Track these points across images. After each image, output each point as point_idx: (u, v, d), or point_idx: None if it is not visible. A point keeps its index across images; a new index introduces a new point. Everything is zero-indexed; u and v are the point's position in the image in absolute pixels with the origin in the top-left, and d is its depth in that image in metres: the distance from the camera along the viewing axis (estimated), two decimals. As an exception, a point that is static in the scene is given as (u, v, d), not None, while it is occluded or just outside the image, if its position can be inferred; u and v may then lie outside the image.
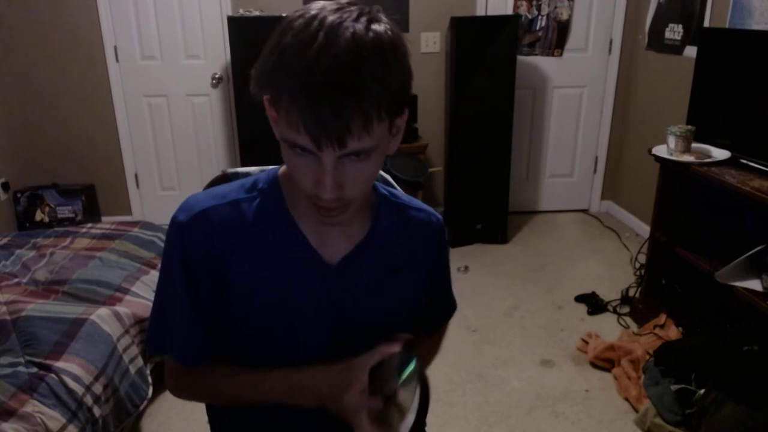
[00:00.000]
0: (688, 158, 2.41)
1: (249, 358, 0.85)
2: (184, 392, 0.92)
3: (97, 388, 1.82)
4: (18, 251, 2.62)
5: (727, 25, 2.86)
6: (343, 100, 0.65)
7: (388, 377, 0.77)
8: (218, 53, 3.80)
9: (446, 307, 1.11)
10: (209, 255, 0.82)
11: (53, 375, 1.75)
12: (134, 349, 2.10)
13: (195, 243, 0.82)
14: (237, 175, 0.99)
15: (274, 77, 0.68)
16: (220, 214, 0.83)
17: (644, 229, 3.52)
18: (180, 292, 0.84)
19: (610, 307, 2.94)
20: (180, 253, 0.82)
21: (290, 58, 0.66)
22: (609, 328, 2.77)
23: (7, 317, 1.98)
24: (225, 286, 0.84)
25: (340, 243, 0.86)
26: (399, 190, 1.00)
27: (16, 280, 2.34)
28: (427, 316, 1.04)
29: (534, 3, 3.82)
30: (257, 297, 0.84)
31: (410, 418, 0.75)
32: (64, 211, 3.83)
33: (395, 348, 0.77)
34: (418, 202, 0.99)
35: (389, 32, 0.69)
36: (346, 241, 0.87)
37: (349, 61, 0.64)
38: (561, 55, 3.93)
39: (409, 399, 0.75)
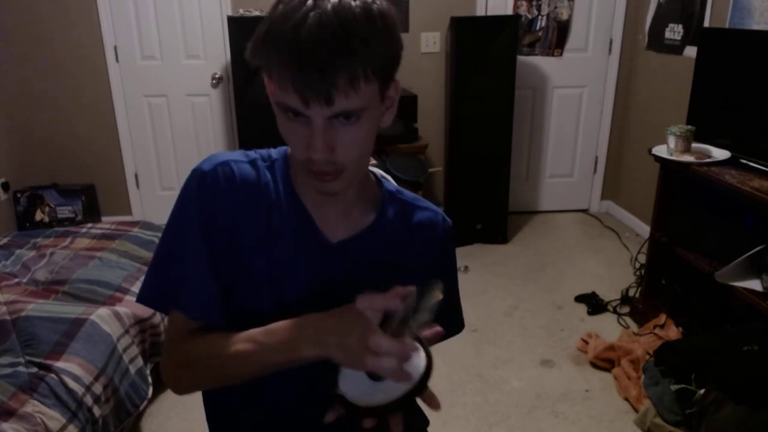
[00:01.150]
0: (688, 158, 2.41)
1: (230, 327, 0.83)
2: (181, 369, 0.85)
3: (97, 388, 1.82)
4: (18, 251, 2.62)
5: (727, 25, 2.86)
6: (329, 59, 0.67)
7: (405, 319, 0.72)
8: (218, 53, 3.80)
9: (450, 322, 1.00)
10: (227, 206, 0.83)
11: (53, 375, 1.75)
12: (134, 349, 2.10)
13: (216, 191, 0.83)
14: None
15: (265, 43, 0.70)
16: (241, 169, 0.86)
17: (644, 229, 3.52)
18: (195, 242, 0.83)
19: (610, 307, 2.94)
20: (199, 201, 0.83)
21: (280, 23, 0.69)
22: (609, 328, 2.77)
23: (7, 317, 1.98)
24: (232, 241, 0.84)
25: (339, 227, 0.87)
26: (407, 191, 0.99)
27: (16, 280, 2.34)
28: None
29: (534, 3, 3.82)
30: (253, 261, 0.84)
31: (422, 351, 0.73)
32: (64, 211, 3.83)
33: (410, 289, 0.73)
34: (425, 201, 0.97)
35: (378, 2, 0.72)
36: (346, 227, 0.88)
37: (336, 24, 0.67)
38: (561, 55, 3.93)
39: (424, 320, 0.73)
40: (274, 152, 0.90)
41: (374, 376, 0.72)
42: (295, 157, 0.79)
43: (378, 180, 0.95)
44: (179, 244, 0.85)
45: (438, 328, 0.78)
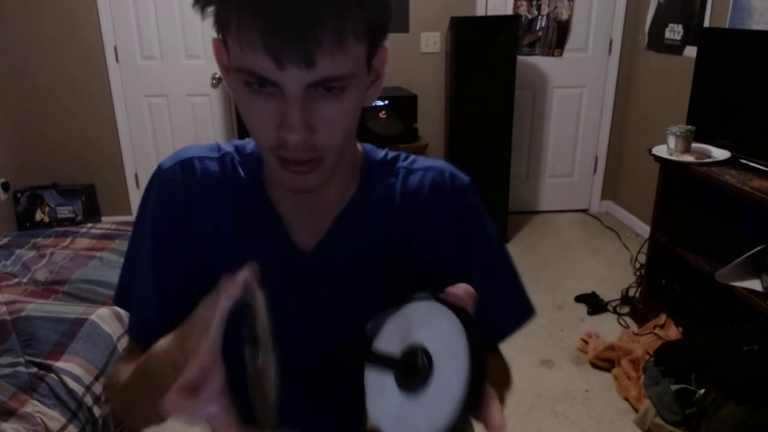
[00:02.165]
0: (688, 158, 2.41)
1: None
2: (118, 399, 0.73)
3: (97, 388, 1.82)
4: (18, 251, 2.62)
5: (727, 25, 2.86)
6: (312, 6, 0.52)
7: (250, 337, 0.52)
8: (218, 53, 3.80)
9: (509, 309, 0.81)
10: (186, 209, 0.73)
11: (53, 375, 1.75)
12: (134, 349, 2.10)
13: (174, 194, 0.72)
14: None
15: None
16: (206, 167, 0.73)
17: (644, 229, 3.52)
18: (146, 257, 0.74)
19: (610, 307, 2.94)
20: (155, 206, 0.73)
21: None
22: (609, 328, 2.77)
23: (7, 317, 1.98)
24: (196, 246, 0.73)
25: (318, 220, 0.72)
26: (410, 156, 0.78)
27: (16, 280, 2.34)
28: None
29: (534, 3, 3.82)
30: (221, 271, 0.72)
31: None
32: (64, 211, 3.83)
33: (240, 280, 0.51)
34: (426, 160, 0.77)
35: None
36: (324, 217, 0.72)
37: None
38: (561, 55, 3.93)
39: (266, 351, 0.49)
40: (249, 145, 0.75)
41: (405, 385, 0.49)
42: (261, 144, 0.62)
43: (363, 152, 0.76)
44: (136, 246, 0.77)
45: (466, 288, 0.51)
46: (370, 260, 0.73)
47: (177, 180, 0.72)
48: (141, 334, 0.75)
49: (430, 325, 0.50)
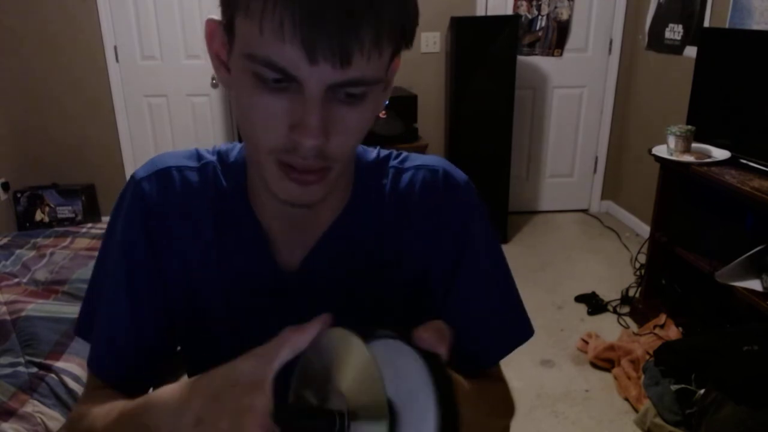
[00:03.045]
0: (688, 158, 2.41)
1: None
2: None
3: (97, 388, 1.82)
4: (18, 251, 2.62)
5: (727, 25, 2.86)
6: (356, 1, 0.47)
7: (314, 384, 0.45)
8: (218, 53, 3.80)
9: (504, 325, 0.72)
10: (162, 224, 0.66)
11: (53, 375, 1.75)
12: (134, 349, 2.10)
13: (150, 207, 0.66)
14: None
15: None
16: (186, 178, 0.67)
17: (644, 229, 3.52)
18: (117, 261, 0.67)
19: (610, 307, 2.94)
20: (128, 213, 0.67)
21: None
22: (609, 328, 2.77)
23: (7, 317, 1.98)
24: (174, 266, 0.67)
25: (305, 236, 0.67)
26: (402, 153, 0.72)
27: (16, 280, 2.34)
28: (467, 341, 0.65)
29: (534, 3, 3.82)
30: (201, 291, 0.68)
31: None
32: (64, 211, 3.83)
33: (313, 330, 0.45)
34: (420, 158, 0.71)
35: None
36: (313, 233, 0.67)
37: None
38: (561, 55, 3.93)
39: (371, 397, 0.40)
40: (238, 149, 0.69)
41: None
42: (259, 148, 0.55)
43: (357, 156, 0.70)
44: (100, 277, 0.70)
45: (438, 327, 0.46)
46: (360, 275, 0.68)
47: (153, 192, 0.66)
48: (106, 365, 0.68)
49: (395, 372, 0.42)
